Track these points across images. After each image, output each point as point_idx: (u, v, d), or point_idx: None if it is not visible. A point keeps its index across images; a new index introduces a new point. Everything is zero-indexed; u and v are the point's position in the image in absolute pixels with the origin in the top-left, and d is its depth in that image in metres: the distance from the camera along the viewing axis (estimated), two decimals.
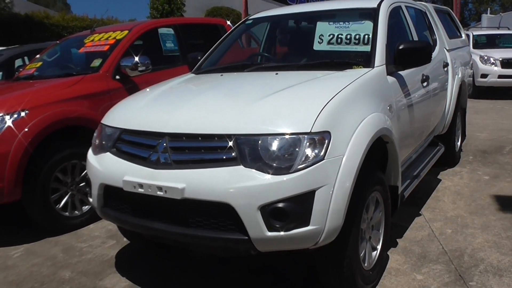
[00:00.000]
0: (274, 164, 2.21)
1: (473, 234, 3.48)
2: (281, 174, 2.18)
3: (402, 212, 3.67)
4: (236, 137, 2.30)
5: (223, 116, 2.47)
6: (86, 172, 3.01)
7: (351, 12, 3.77)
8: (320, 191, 2.20)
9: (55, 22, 15.92)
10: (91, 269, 3.29)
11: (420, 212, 3.97)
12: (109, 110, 3.14)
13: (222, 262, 3.22)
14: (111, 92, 4.41)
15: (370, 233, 2.80)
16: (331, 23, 3.55)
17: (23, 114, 3.73)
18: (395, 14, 3.74)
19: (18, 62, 7.00)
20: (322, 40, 3.47)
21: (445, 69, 4.69)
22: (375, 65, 3.11)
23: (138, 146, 2.63)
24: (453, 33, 5.67)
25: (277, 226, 2.18)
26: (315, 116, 2.30)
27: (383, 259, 2.99)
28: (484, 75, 11.22)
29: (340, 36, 3.41)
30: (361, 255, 2.65)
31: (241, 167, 2.25)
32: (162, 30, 5.34)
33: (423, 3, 5.13)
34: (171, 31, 5.42)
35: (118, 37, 4.89)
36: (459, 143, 5.60)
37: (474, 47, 11.74)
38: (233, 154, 2.29)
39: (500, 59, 11.14)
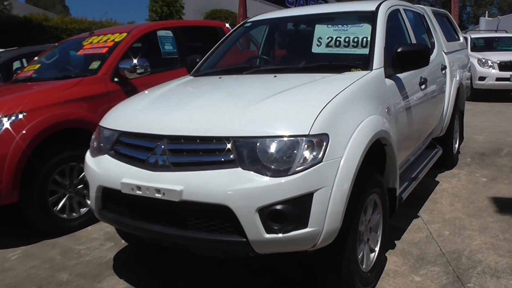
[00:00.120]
0: (273, 167, 2.22)
1: (471, 236, 3.49)
2: (279, 176, 2.19)
3: (400, 214, 3.67)
4: (235, 140, 2.31)
5: (222, 119, 2.48)
6: (84, 175, 3.01)
7: (349, 15, 3.78)
8: (318, 193, 2.20)
9: (54, 25, 15.91)
10: (89, 271, 3.28)
11: (418, 214, 3.97)
12: (107, 113, 3.14)
13: (221, 264, 3.22)
14: (110, 94, 4.41)
15: (368, 235, 2.80)
16: (330, 26, 3.56)
17: (21, 116, 3.73)
18: (393, 17, 3.75)
19: (16, 64, 7.00)
20: (320, 43, 3.48)
21: (443, 71, 4.70)
22: (373, 68, 3.11)
23: (136, 148, 2.63)
24: (451, 36, 5.69)
25: (275, 228, 2.18)
26: (313, 118, 2.30)
27: (381, 261, 3.00)
28: (482, 78, 11.26)
29: (338, 39, 3.42)
30: (359, 257, 2.66)
31: (240, 169, 2.25)
32: (160, 33, 5.35)
33: (421, 6, 5.15)
34: (169, 33, 5.42)
35: (116, 40, 4.89)
36: (457, 146, 5.61)
37: (472, 50, 11.79)
38: (232, 156, 2.29)
39: (498, 62, 11.19)
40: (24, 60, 6.99)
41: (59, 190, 3.98)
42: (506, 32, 15.10)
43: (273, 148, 2.24)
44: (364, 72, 3.04)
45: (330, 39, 3.45)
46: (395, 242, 3.42)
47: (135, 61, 4.57)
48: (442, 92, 4.64)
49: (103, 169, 2.72)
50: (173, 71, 4.95)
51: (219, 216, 2.27)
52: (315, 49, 3.50)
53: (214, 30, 6.16)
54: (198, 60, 4.08)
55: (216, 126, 2.42)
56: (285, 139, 2.25)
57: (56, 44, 5.92)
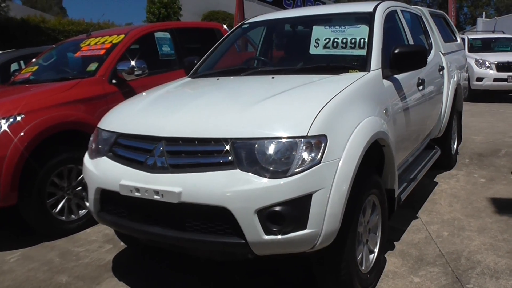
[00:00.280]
0: (271, 168, 2.22)
1: (470, 237, 3.49)
2: (278, 178, 2.19)
3: (399, 215, 3.67)
4: (233, 141, 2.31)
5: (220, 120, 2.48)
6: (82, 176, 3.00)
7: (347, 16, 3.79)
8: (317, 195, 2.20)
9: (51, 26, 15.90)
10: (88, 273, 3.28)
11: (417, 215, 3.97)
12: (105, 114, 3.13)
13: (220, 266, 3.22)
14: (108, 96, 4.40)
15: (367, 236, 2.80)
16: (327, 27, 3.56)
17: (19, 118, 3.72)
18: (390, 18, 3.75)
19: (14, 66, 6.98)
20: (318, 44, 3.48)
21: (441, 72, 4.71)
22: (371, 69, 3.12)
23: (134, 150, 2.63)
24: (448, 37, 5.70)
25: (274, 229, 2.18)
26: (312, 119, 2.30)
27: (381, 262, 3.00)
28: (479, 79, 11.29)
29: (336, 40, 3.42)
30: (358, 258, 2.66)
31: (238, 171, 2.25)
32: (158, 34, 5.35)
33: (418, 7, 5.16)
34: (167, 35, 5.43)
35: (114, 41, 4.89)
36: (455, 146, 5.62)
37: (469, 51, 11.81)
38: (230, 158, 2.29)
39: (495, 62, 11.22)
40: (21, 62, 6.97)
41: (58, 192, 3.98)
42: (503, 32, 15.15)
43: (271, 149, 2.24)
44: (362, 73, 3.04)
45: (327, 40, 3.45)
46: (394, 243, 3.42)
47: (133, 62, 4.57)
48: (440, 93, 4.65)
49: (102, 171, 2.72)
50: (171, 73, 4.95)
51: (217, 217, 2.27)
52: (312, 50, 3.50)
53: (211, 31, 6.16)
54: (196, 61, 4.08)
55: (214, 127, 2.42)
56: (284, 140, 2.25)
57: (53, 46, 5.91)
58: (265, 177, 2.20)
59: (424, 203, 4.27)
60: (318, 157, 2.24)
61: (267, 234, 2.19)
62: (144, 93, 3.42)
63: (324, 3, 19.75)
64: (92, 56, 4.87)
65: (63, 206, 4.01)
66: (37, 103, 3.92)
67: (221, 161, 2.30)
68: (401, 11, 4.11)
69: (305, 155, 2.23)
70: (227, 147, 2.30)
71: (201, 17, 21.78)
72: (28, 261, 3.54)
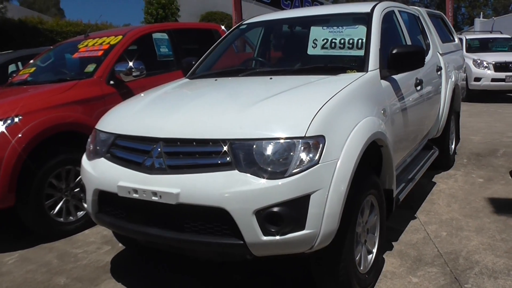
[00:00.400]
0: (269, 169, 2.22)
1: (468, 237, 3.49)
2: (276, 179, 2.19)
3: (397, 215, 3.67)
4: (231, 142, 2.31)
5: (218, 121, 2.48)
6: (80, 178, 3.00)
7: (344, 16, 3.79)
8: (315, 195, 2.20)
9: (49, 27, 15.87)
10: (86, 275, 3.27)
11: (415, 215, 3.98)
12: (103, 116, 3.13)
13: (219, 267, 3.22)
14: (106, 97, 4.40)
15: (365, 237, 2.80)
16: (325, 27, 3.57)
17: (16, 120, 3.72)
18: (388, 19, 3.76)
19: (11, 68, 6.97)
20: (316, 44, 3.49)
21: (439, 73, 4.72)
22: (369, 69, 3.12)
23: (132, 151, 2.63)
24: (446, 37, 5.71)
25: (272, 230, 2.18)
26: (310, 120, 2.30)
27: (379, 262, 3.00)
28: (477, 79, 11.31)
29: (334, 40, 3.42)
30: (357, 258, 2.66)
31: (236, 171, 2.25)
32: (156, 35, 5.35)
33: (416, 7, 5.17)
34: (165, 36, 5.42)
35: (112, 42, 4.89)
36: (453, 146, 5.63)
37: (467, 51, 11.84)
38: (228, 158, 2.29)
39: (493, 62, 11.24)
40: (19, 63, 6.96)
41: (56, 193, 3.97)
42: (501, 33, 15.17)
43: (269, 150, 2.24)
44: (360, 74, 3.04)
45: (325, 41, 3.45)
46: (393, 243, 3.42)
47: (130, 63, 4.56)
48: (438, 93, 4.66)
49: (100, 172, 2.71)
50: (168, 74, 4.95)
51: (216, 218, 2.27)
52: (310, 51, 3.51)
53: (209, 32, 6.16)
54: (193, 62, 4.08)
55: (212, 128, 2.42)
56: (282, 141, 2.25)
57: (51, 47, 5.90)
58: (263, 178, 2.20)
59: (422, 203, 4.28)
60: (316, 157, 2.24)
61: (265, 235, 2.19)
62: (142, 94, 3.42)
63: (322, 3, 19.75)
64: (90, 57, 4.86)
65: (61, 208, 4.00)
66: (35, 104, 3.92)
67: (219, 162, 2.30)
68: (399, 11, 4.11)
69: (303, 155, 2.23)
70: (225, 148, 2.30)
71: (199, 18, 21.77)
72: (26, 263, 3.53)
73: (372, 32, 3.35)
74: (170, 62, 5.36)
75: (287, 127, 2.31)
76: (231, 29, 4.57)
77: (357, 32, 3.42)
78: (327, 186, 2.24)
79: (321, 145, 2.26)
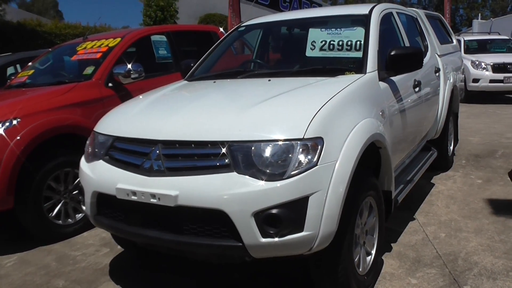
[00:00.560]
0: (268, 171, 2.22)
1: (467, 238, 3.50)
2: (275, 181, 2.19)
3: (396, 216, 3.68)
4: (229, 144, 2.31)
5: (216, 123, 2.48)
6: (79, 180, 2.99)
7: (343, 18, 3.80)
8: (314, 197, 2.20)
9: (48, 30, 15.85)
10: (85, 277, 3.27)
11: (414, 217, 3.98)
12: (101, 118, 3.13)
13: (218, 268, 3.21)
14: (104, 99, 4.40)
15: (364, 238, 2.80)
16: (323, 29, 3.57)
17: (15, 122, 3.72)
18: (386, 21, 3.76)
19: (10, 70, 6.97)
20: (314, 46, 3.49)
21: (437, 74, 4.73)
22: (367, 71, 3.12)
23: (131, 153, 2.62)
24: (444, 38, 5.72)
25: (271, 232, 2.18)
26: (308, 122, 2.30)
27: (378, 263, 3.00)
28: (475, 80, 11.33)
29: (332, 42, 3.43)
30: (356, 260, 2.66)
31: (235, 173, 2.25)
32: (155, 37, 5.35)
33: (414, 9, 5.18)
34: (164, 38, 5.43)
35: (110, 45, 4.89)
36: (451, 148, 5.63)
37: (465, 52, 11.86)
38: (227, 160, 2.29)
39: (491, 64, 11.27)
40: (18, 65, 6.96)
41: (54, 196, 3.97)
42: (499, 34, 15.19)
43: (268, 152, 2.24)
44: (358, 75, 3.05)
45: (323, 42, 3.46)
46: (392, 244, 3.42)
47: (129, 66, 4.57)
48: (436, 95, 4.66)
49: (98, 174, 2.71)
50: (167, 76, 4.95)
51: (214, 220, 2.27)
52: (309, 52, 3.51)
53: (208, 34, 6.17)
54: (192, 64, 4.08)
55: (210, 130, 2.42)
56: (280, 143, 2.25)
57: (50, 49, 5.90)
58: (262, 179, 2.20)
59: (421, 204, 4.28)
60: (315, 159, 2.24)
61: (264, 236, 2.19)
62: (140, 96, 3.42)
63: (320, 5, 19.80)
64: (88, 59, 4.86)
65: (59, 210, 4.00)
66: (33, 107, 3.92)
67: (217, 164, 2.30)
68: (397, 13, 4.12)
69: (301, 157, 2.23)
70: (223, 150, 2.30)
71: (198, 20, 21.77)
72: (25, 265, 3.52)
73: (370, 34, 3.35)
74: (169, 64, 5.37)
75: (285, 129, 2.31)
76: (230, 31, 4.58)
77: (355, 34, 3.42)
78: (325, 187, 2.24)
79: (319, 147, 2.27)
